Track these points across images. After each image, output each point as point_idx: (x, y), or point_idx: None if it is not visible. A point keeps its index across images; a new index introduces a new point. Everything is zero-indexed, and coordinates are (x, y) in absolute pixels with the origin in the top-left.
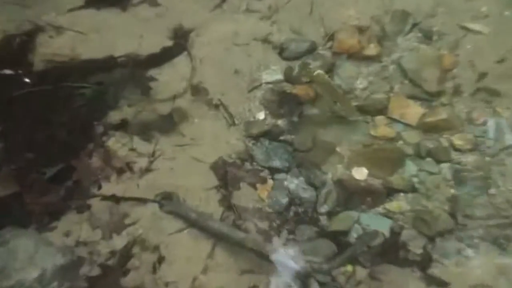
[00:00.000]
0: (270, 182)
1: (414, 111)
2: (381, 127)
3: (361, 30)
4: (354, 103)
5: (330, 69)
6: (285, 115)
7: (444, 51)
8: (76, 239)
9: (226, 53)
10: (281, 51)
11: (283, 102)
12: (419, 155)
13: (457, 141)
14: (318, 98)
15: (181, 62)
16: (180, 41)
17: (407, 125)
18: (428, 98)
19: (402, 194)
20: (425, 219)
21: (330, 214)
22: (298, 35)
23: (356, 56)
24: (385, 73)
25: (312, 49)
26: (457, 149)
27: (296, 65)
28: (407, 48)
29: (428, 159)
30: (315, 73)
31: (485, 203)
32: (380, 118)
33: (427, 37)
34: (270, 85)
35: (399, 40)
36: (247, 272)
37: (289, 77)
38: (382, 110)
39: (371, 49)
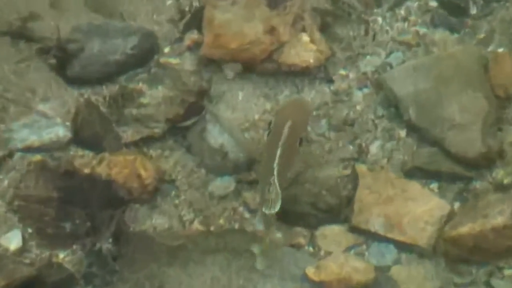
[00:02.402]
0: None
1: (422, 209)
2: (336, 259)
3: None
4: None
5: (194, 105)
6: (82, 237)
7: (500, 48)
8: None
9: None
10: (61, 62)
11: (73, 199)
12: None
13: None
14: (162, 187)
15: None
16: None
17: (406, 247)
18: (459, 171)
19: None
20: None
21: None
22: (107, 16)
23: (264, 66)
24: (342, 109)
25: (144, 53)
26: None
27: (104, 97)
28: (400, 42)
29: None
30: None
31: None
32: (332, 232)
33: (454, 9)
34: (36, 156)
35: (380, 19)
36: None
37: (83, 133)
38: (337, 209)
39: (304, 49)
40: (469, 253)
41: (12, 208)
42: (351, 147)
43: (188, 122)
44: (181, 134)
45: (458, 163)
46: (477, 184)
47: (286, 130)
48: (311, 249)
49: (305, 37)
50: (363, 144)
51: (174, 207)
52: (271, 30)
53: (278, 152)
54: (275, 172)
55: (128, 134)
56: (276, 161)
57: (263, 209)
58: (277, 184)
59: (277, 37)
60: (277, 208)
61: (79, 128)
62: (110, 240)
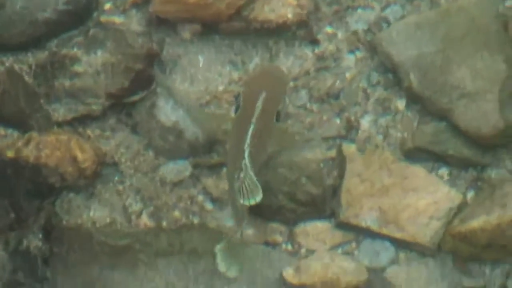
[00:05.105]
0: None
1: (426, 201)
2: (320, 258)
3: None
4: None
5: (142, 75)
6: (5, 232)
7: None
8: None
9: None
10: None
11: None
12: None
13: None
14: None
15: None
16: None
17: (404, 244)
18: (472, 156)
19: None
20: None
21: None
22: None
23: (229, 25)
24: (327, 78)
25: (80, 10)
26: None
27: (30, 65)
28: None
29: None
30: None
31: None
32: (316, 229)
33: None
34: None
35: None
36: None
37: (5, 109)
38: (320, 201)
39: (281, 3)
40: (482, 251)
41: None
42: (337, 121)
43: (135, 97)
44: (126, 112)
45: (470, 143)
46: (494, 172)
47: (259, 104)
48: (289, 247)
49: None
50: (352, 118)
51: (117, 195)
52: None
53: (250, 130)
54: (246, 155)
55: (60, 112)
56: (248, 141)
57: (238, 200)
58: (249, 168)
59: None
60: (258, 198)
61: (0, 102)
62: (40, 235)
